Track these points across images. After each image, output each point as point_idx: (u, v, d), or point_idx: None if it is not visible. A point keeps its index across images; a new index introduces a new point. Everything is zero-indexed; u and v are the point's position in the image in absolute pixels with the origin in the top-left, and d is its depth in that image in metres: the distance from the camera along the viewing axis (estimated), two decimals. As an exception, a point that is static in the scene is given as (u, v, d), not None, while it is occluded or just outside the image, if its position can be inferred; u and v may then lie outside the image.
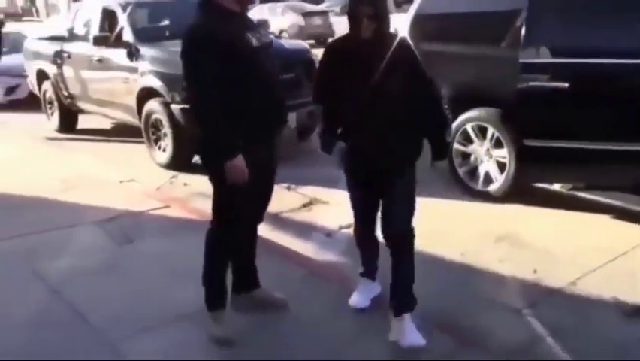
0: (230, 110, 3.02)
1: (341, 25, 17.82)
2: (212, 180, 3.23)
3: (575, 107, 4.49)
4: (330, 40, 3.09)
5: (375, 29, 3.02)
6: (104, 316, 3.66)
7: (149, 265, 4.34)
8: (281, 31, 18.89)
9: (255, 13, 18.08)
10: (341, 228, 4.66)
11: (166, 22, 8.12)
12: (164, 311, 3.66)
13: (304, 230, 4.85)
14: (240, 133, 3.06)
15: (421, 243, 4.15)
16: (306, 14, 20.46)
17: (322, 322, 3.51)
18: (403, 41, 3.14)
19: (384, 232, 3.28)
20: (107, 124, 8.65)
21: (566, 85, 4.42)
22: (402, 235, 3.25)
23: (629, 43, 4.30)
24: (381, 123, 3.09)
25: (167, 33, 7.67)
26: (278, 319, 3.54)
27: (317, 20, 20.74)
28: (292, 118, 5.99)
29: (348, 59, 3.13)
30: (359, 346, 3.28)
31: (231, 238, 3.35)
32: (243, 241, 3.49)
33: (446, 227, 4.70)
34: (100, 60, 7.60)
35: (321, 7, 22.97)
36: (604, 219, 4.73)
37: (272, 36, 3.43)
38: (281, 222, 4.96)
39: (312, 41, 17.35)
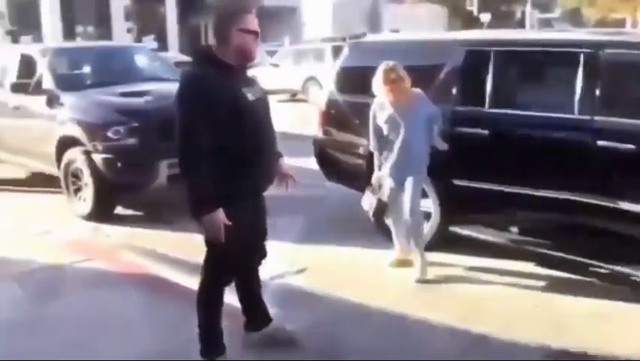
0: (221, 162, 3.08)
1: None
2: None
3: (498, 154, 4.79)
4: None
5: None
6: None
7: (71, 321, 4.15)
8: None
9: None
10: (272, 278, 4.62)
11: (87, 69, 7.99)
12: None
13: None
14: (230, 185, 3.12)
15: (353, 294, 4.17)
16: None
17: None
18: None
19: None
20: (21, 174, 8.29)
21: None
22: None
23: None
24: None
25: (88, 81, 7.56)
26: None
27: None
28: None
29: None
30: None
31: (218, 290, 3.44)
32: (246, 281, 3.64)
33: (376, 277, 4.75)
34: (17, 108, 7.34)
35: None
36: (527, 267, 4.87)
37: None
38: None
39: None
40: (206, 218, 3.07)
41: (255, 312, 3.72)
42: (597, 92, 4.39)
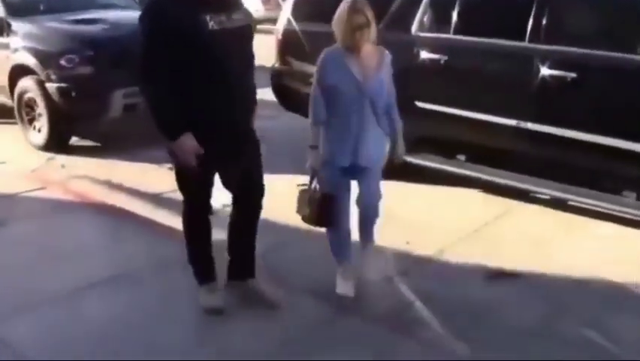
0: (184, 95, 3.01)
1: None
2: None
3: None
4: None
5: None
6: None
7: (20, 248, 4.20)
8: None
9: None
10: (225, 206, 4.68)
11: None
12: (38, 293, 3.59)
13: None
14: (194, 111, 3.04)
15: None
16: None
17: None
18: None
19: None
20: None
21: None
22: None
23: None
24: None
25: (41, 7, 7.34)
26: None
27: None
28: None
29: None
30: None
31: (195, 214, 3.43)
32: (234, 231, 3.61)
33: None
34: (-33, 37, 7.13)
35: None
36: (471, 193, 5.05)
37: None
38: (163, 202, 4.92)
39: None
40: (175, 145, 3.04)
41: (240, 263, 3.63)
42: (547, 20, 4.45)
